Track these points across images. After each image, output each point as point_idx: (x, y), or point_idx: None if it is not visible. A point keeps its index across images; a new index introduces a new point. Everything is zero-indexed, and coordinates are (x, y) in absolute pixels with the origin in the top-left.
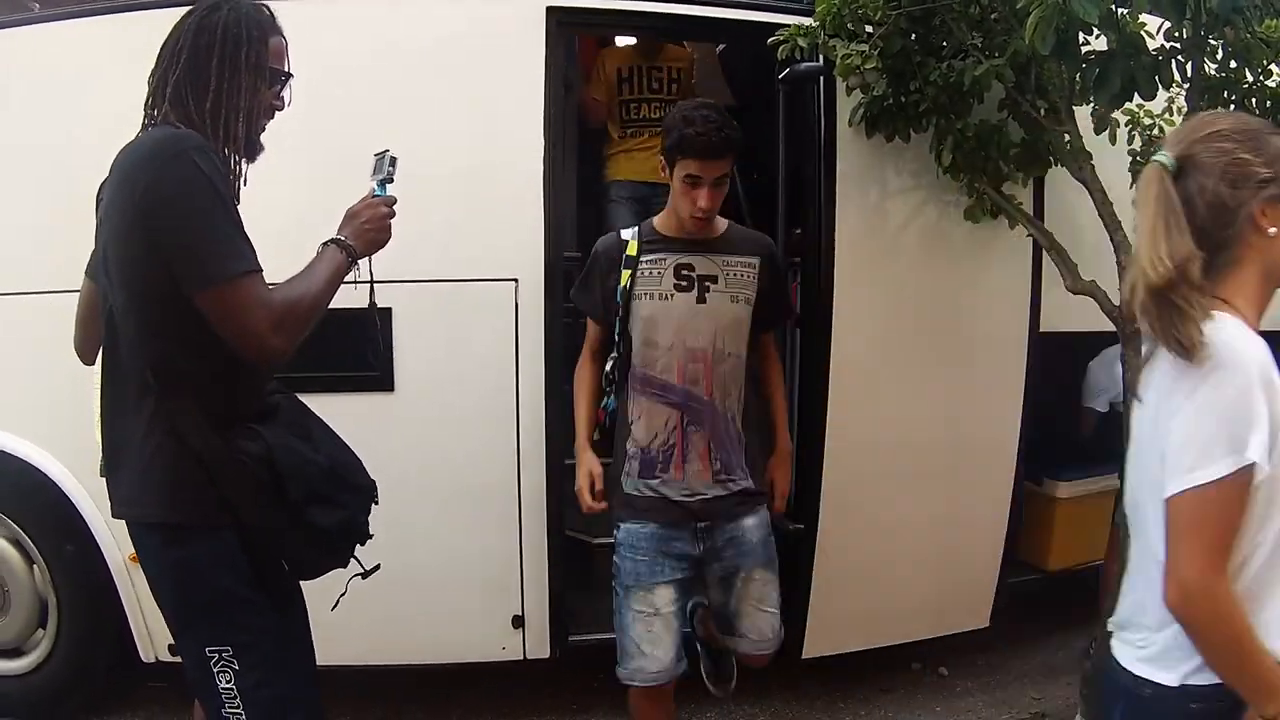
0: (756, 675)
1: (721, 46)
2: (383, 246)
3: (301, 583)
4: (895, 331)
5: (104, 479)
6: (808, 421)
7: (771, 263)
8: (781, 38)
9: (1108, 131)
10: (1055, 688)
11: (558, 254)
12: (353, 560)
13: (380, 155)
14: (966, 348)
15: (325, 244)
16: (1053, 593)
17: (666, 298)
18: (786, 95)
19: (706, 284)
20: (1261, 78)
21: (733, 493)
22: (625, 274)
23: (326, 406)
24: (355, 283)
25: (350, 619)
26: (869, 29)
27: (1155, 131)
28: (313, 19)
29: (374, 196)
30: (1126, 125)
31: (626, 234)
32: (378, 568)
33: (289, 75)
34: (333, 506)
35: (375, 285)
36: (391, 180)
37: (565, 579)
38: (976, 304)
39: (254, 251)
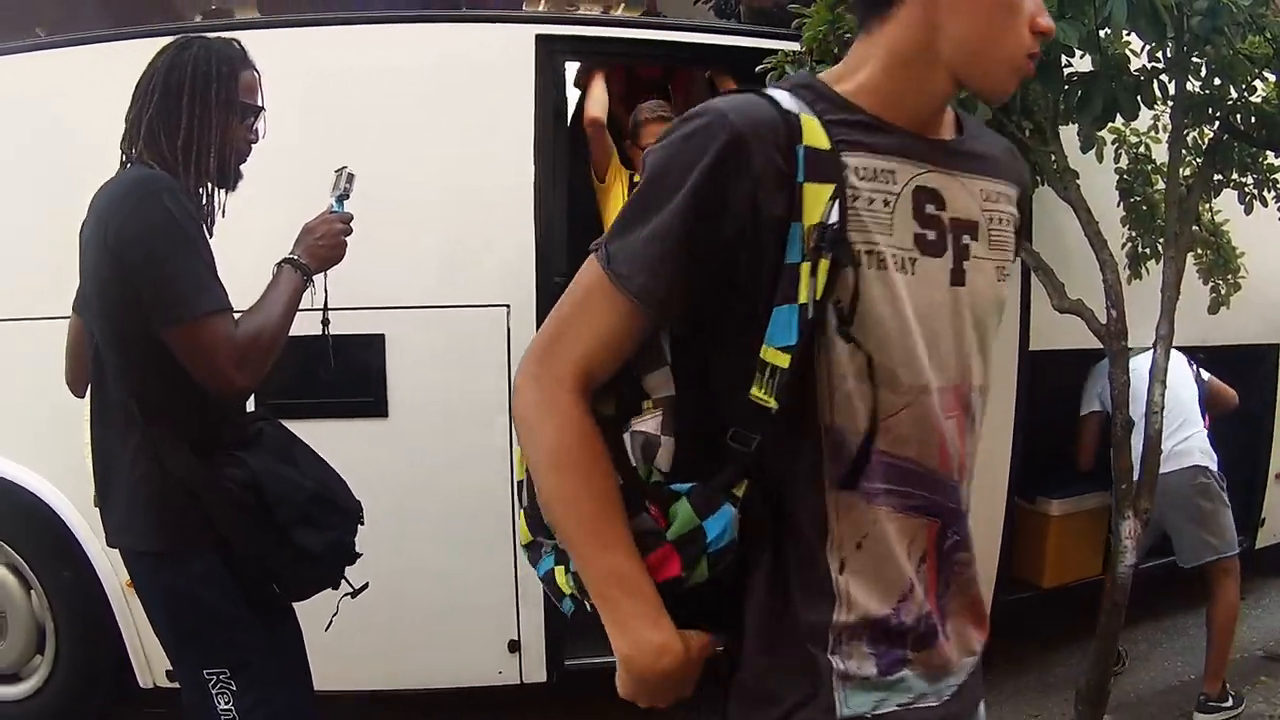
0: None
1: (708, 73)
2: (336, 263)
3: (294, 605)
4: None
5: (97, 508)
6: None
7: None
8: (770, 64)
9: (1094, 150)
10: (1051, 704)
11: (549, 279)
12: (343, 580)
13: (339, 171)
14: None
15: (279, 264)
16: (1047, 609)
17: (906, 267)
18: None
19: (965, 240)
20: (1246, 93)
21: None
22: (819, 194)
23: (320, 433)
24: (321, 313)
25: (345, 644)
26: None
27: (1141, 149)
28: (302, 45)
29: (331, 213)
30: (1113, 144)
31: (783, 96)
32: (366, 586)
33: (260, 109)
34: (320, 529)
35: (368, 311)
36: (348, 197)
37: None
38: None
39: (223, 290)
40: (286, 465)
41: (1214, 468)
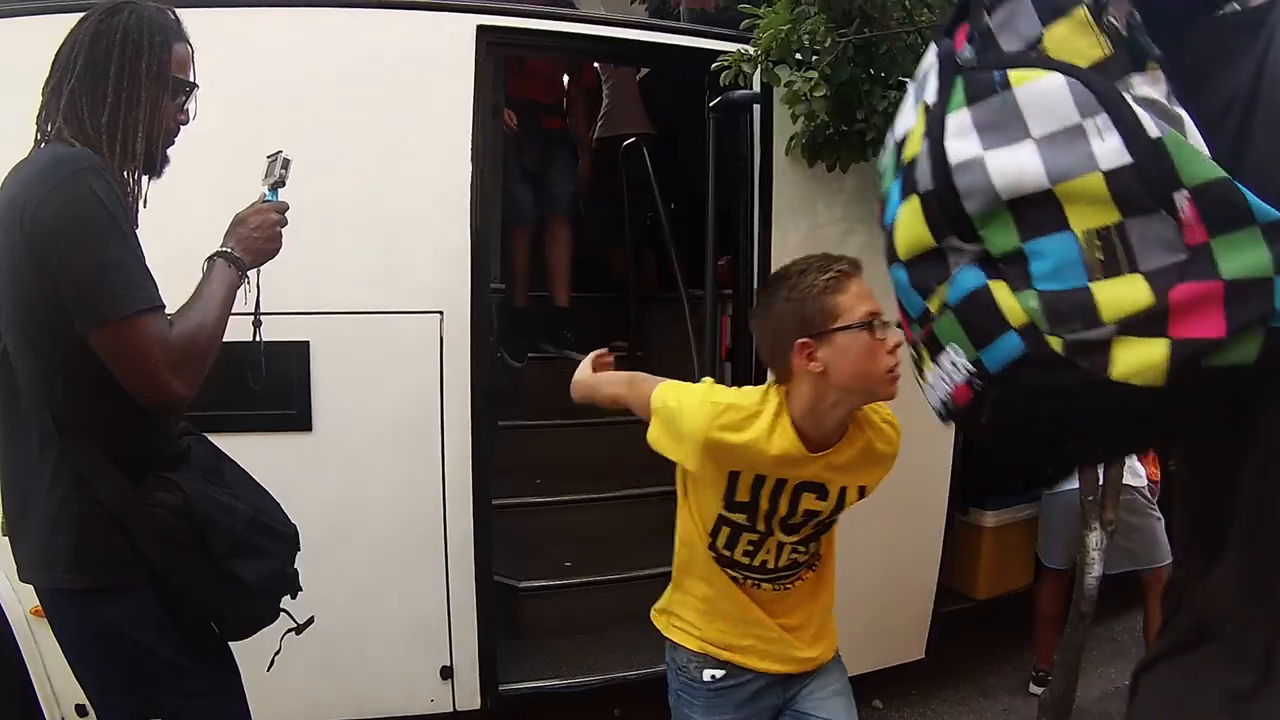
0: None
1: (642, 74)
2: (272, 256)
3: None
4: None
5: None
6: None
7: None
8: (725, 64)
9: None
10: (991, 713)
11: (485, 285)
12: (283, 614)
13: (273, 157)
14: (901, 383)
15: (210, 258)
16: (980, 619)
17: None
18: (716, 123)
19: None
20: None
21: None
22: None
23: (239, 447)
24: (253, 315)
25: (272, 676)
26: (814, 57)
27: None
28: (226, 33)
29: (264, 202)
30: None
31: None
32: (311, 621)
33: (194, 86)
34: (259, 557)
35: (290, 316)
36: (284, 184)
37: (494, 627)
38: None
39: (154, 284)
40: (218, 487)
41: (1137, 483)
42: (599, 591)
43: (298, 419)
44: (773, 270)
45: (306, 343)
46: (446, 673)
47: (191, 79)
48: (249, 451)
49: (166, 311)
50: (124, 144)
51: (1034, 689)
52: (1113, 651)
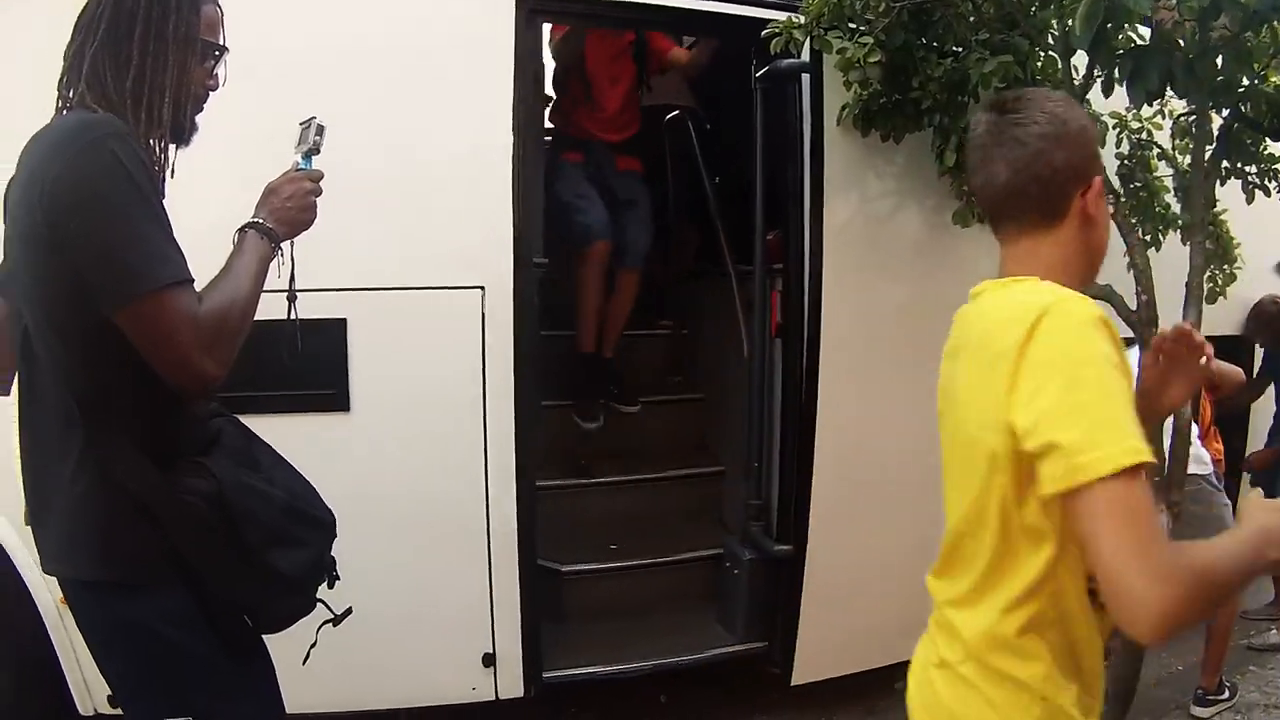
0: (740, 700)
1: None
2: (306, 228)
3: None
4: (884, 339)
5: (29, 527)
6: (794, 439)
7: None
8: (775, 30)
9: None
10: None
11: (527, 259)
12: (320, 605)
13: (306, 124)
14: None
15: (241, 230)
16: None
17: None
18: (764, 94)
19: None
20: (1258, 80)
21: None
22: None
23: (274, 429)
24: (287, 291)
25: (308, 664)
26: (867, 22)
27: (1143, 136)
28: (264, 6)
29: (297, 170)
30: (1114, 129)
31: None
32: (349, 611)
33: (224, 49)
34: (295, 546)
35: (326, 293)
36: (318, 152)
37: (538, 612)
38: None
39: (183, 257)
40: (252, 472)
41: (1203, 471)
42: (645, 575)
43: (335, 399)
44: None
45: (344, 320)
46: (489, 660)
47: (221, 42)
48: (284, 433)
49: (196, 287)
50: (149, 110)
51: (1197, 710)
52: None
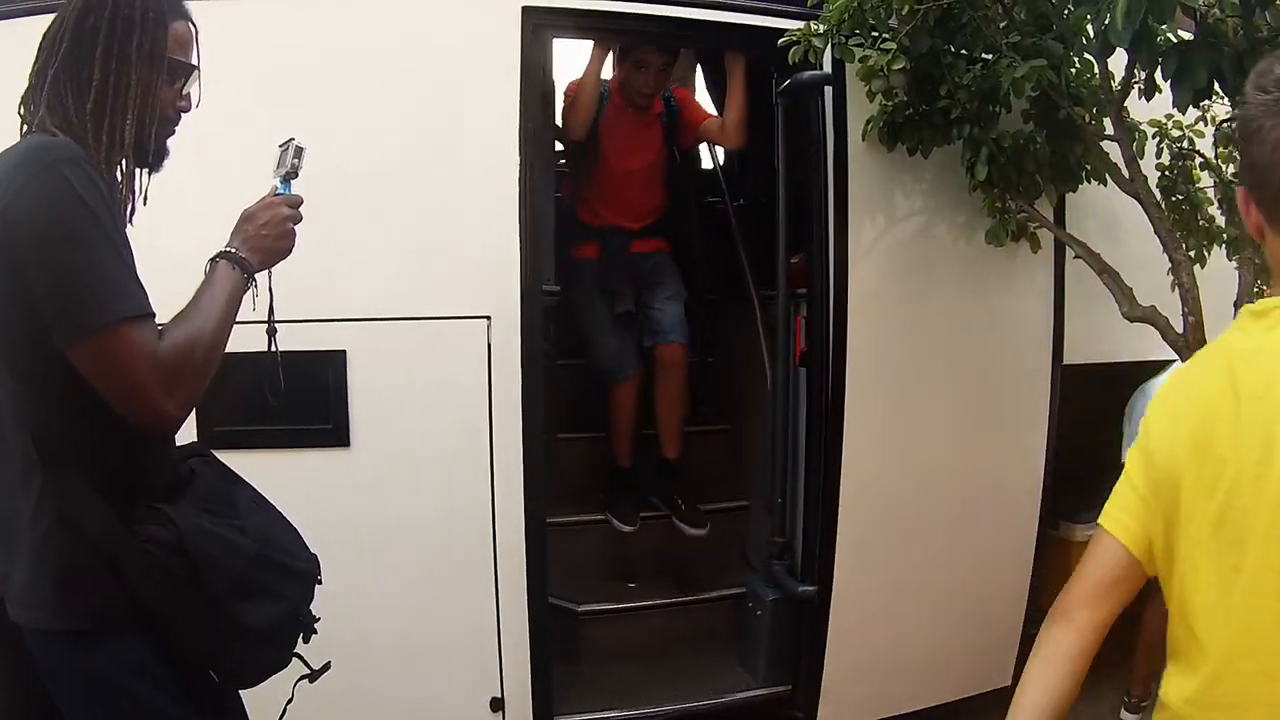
0: None
1: (699, 62)
2: (284, 256)
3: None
4: (911, 367)
5: None
6: (818, 472)
7: None
8: (793, 38)
9: (1134, 145)
10: None
11: (536, 287)
12: (296, 659)
13: (284, 145)
14: (988, 383)
15: (213, 260)
16: None
17: None
18: (786, 109)
19: None
20: None
21: None
22: None
23: (271, 466)
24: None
25: (302, 707)
26: (890, 28)
27: (1185, 144)
28: (252, 17)
29: (275, 195)
30: (1154, 138)
31: None
32: (328, 666)
33: (194, 69)
34: (264, 599)
35: (325, 324)
36: (296, 175)
37: (548, 653)
38: (999, 335)
39: (141, 290)
40: (221, 518)
41: None
42: (664, 615)
43: (335, 434)
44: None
45: (343, 352)
46: (497, 704)
47: (193, 61)
48: (281, 470)
49: (159, 321)
50: (111, 133)
51: (1126, 716)
52: None
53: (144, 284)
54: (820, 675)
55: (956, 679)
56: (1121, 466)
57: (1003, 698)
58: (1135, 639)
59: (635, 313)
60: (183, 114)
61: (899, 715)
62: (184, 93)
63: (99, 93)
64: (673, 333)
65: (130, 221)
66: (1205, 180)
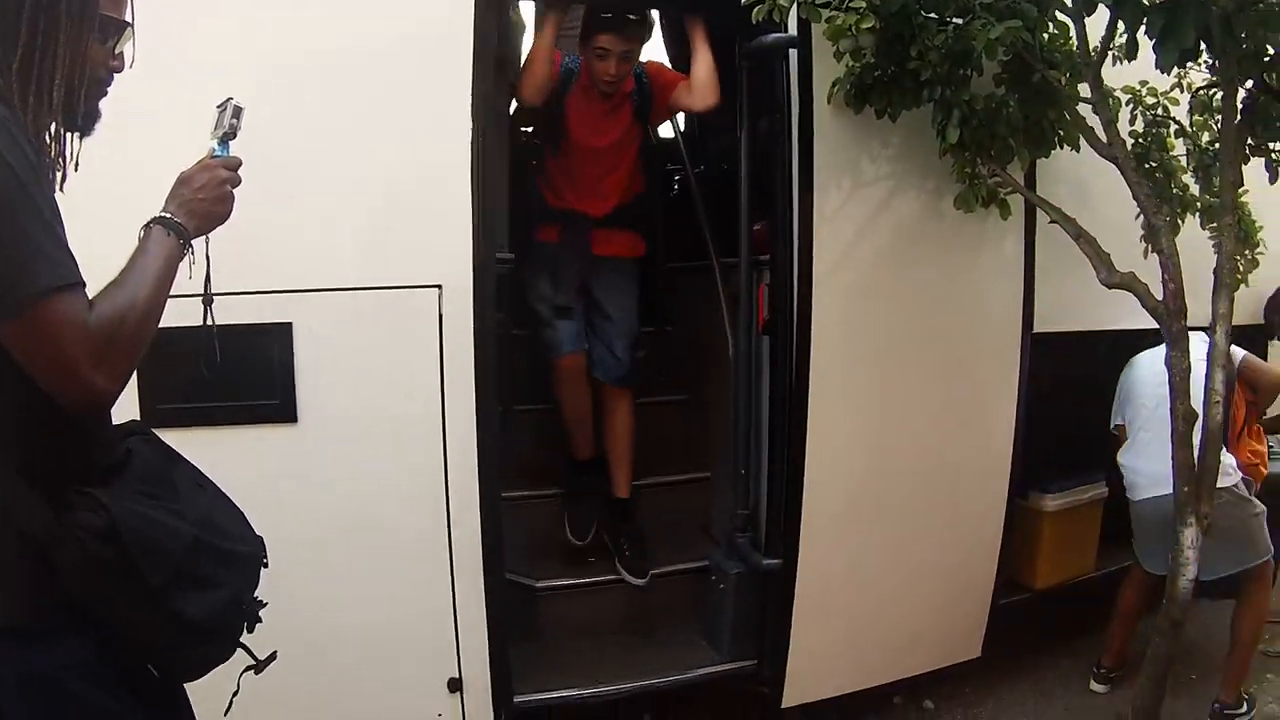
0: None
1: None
2: (221, 221)
3: None
4: (878, 335)
5: None
6: (783, 443)
7: None
8: None
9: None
10: (1050, 714)
11: (489, 256)
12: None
13: (222, 106)
14: (957, 352)
15: (147, 225)
16: (1038, 611)
17: None
18: (749, 72)
19: None
20: None
21: None
22: None
23: (215, 444)
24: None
25: (255, 693)
26: None
27: (1159, 112)
28: None
29: (212, 157)
30: (1128, 105)
31: None
32: (274, 656)
33: (128, 25)
34: (206, 587)
35: (270, 295)
36: (235, 136)
37: (507, 631)
38: (968, 303)
39: (71, 259)
40: (159, 501)
41: (1227, 482)
42: (625, 590)
43: (281, 409)
44: (816, 236)
45: (289, 324)
46: (455, 685)
47: (127, 18)
48: (226, 448)
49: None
50: (39, 93)
51: (1096, 686)
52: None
53: (74, 253)
54: (786, 649)
55: (926, 652)
56: (1106, 436)
57: (972, 670)
58: (1112, 610)
59: (578, 310)
60: (115, 74)
61: (868, 689)
62: (116, 52)
63: (26, 51)
64: (618, 374)
65: (60, 188)
66: (1179, 148)
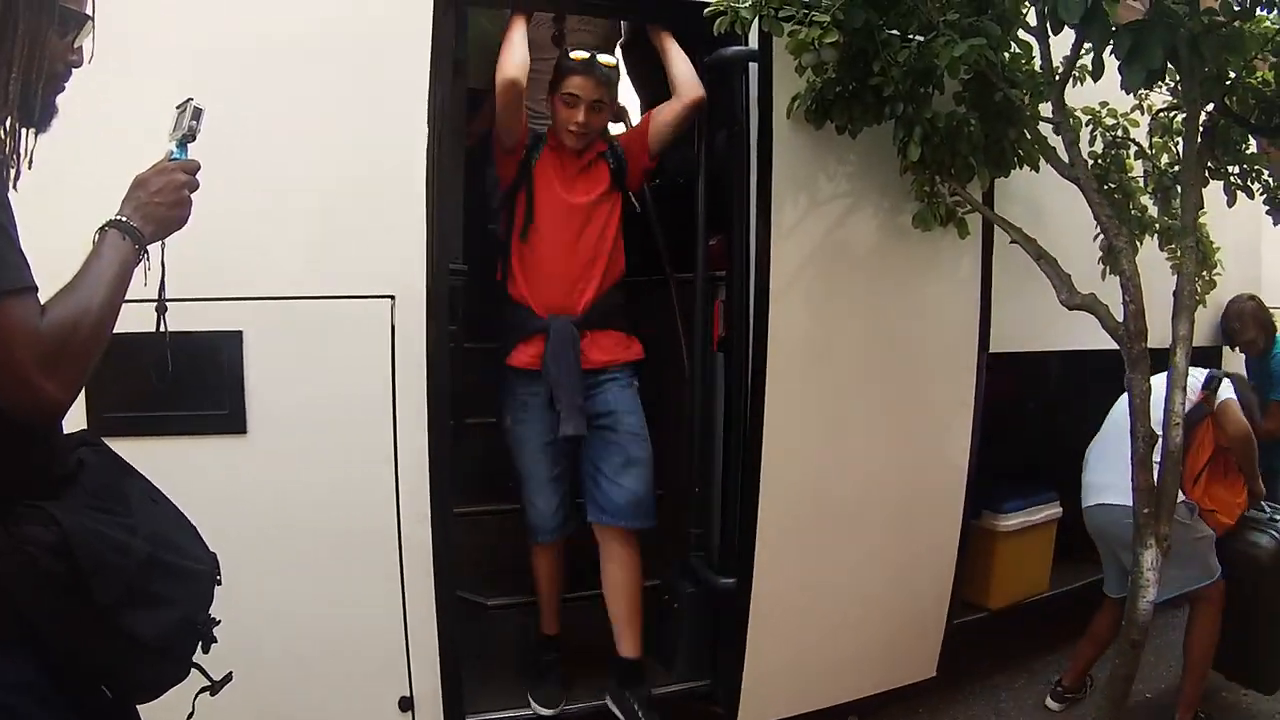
0: None
1: (622, 39)
2: (179, 226)
3: None
4: (835, 353)
5: None
6: (738, 462)
7: None
8: (718, 8)
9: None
10: None
11: (442, 265)
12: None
13: (181, 107)
14: (913, 371)
15: (101, 229)
16: (990, 631)
17: None
18: (709, 86)
19: None
20: (1245, 74)
21: None
22: None
23: (159, 455)
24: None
25: (203, 715)
26: (821, 2)
27: (1119, 133)
28: None
29: (170, 160)
30: (1087, 125)
31: None
32: (229, 678)
33: (87, 19)
34: (157, 606)
35: (220, 303)
36: (194, 139)
37: (458, 650)
38: (924, 322)
39: (24, 262)
40: (111, 515)
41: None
42: (577, 608)
43: (230, 420)
44: (773, 253)
45: (239, 333)
46: (405, 704)
47: (87, 11)
48: (175, 459)
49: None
50: None
51: (1051, 704)
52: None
53: (27, 256)
54: (740, 670)
55: (881, 671)
56: (1060, 455)
57: (928, 690)
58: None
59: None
60: (73, 69)
61: (822, 708)
62: (75, 46)
63: None
64: (627, 515)
65: (14, 187)
66: (1138, 170)
